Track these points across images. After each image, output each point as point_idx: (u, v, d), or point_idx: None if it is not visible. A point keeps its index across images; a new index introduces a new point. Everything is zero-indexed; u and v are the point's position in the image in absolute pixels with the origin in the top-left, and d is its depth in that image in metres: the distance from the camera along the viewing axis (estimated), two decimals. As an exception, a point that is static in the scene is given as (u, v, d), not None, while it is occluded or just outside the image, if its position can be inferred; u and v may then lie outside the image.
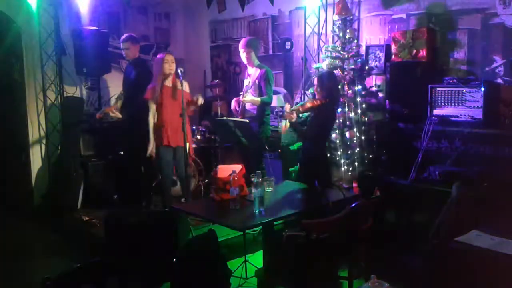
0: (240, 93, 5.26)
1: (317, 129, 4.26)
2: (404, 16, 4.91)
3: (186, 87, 4.99)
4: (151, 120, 4.81)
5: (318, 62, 5.39)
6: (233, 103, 5.31)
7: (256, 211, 3.20)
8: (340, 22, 4.87)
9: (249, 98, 5.11)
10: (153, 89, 4.74)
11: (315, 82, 4.32)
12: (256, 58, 5.21)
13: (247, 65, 5.27)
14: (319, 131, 4.30)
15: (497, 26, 4.24)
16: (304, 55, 5.68)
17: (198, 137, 5.99)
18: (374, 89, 4.98)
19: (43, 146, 5.96)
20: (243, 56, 5.20)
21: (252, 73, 5.21)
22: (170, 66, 4.74)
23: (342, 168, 4.74)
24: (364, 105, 4.71)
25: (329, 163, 4.61)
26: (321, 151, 4.38)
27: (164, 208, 4.89)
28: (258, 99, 5.06)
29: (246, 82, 5.29)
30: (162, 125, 4.81)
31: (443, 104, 4.12)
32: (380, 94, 4.95)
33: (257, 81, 5.11)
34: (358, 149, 4.67)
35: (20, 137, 6.03)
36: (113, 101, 6.54)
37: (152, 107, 4.78)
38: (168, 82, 4.81)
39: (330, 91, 4.26)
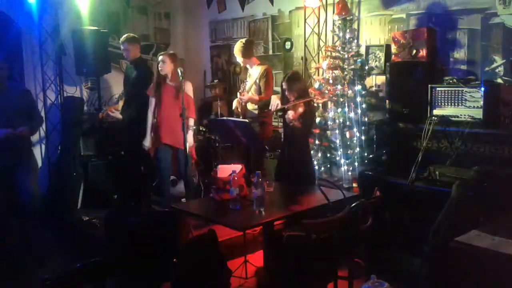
0: (239, 91, 5.26)
1: (301, 129, 4.29)
2: (404, 16, 4.91)
3: (188, 88, 5.07)
4: (150, 116, 5.02)
5: (318, 62, 5.39)
6: (235, 103, 5.30)
7: (256, 211, 3.20)
8: (340, 22, 4.87)
9: (247, 97, 5.10)
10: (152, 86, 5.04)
11: (285, 86, 4.34)
12: (253, 59, 5.20)
13: (248, 66, 5.27)
14: (303, 131, 4.33)
15: (497, 26, 4.24)
16: (304, 55, 5.68)
17: (199, 137, 6.00)
18: (374, 89, 4.98)
19: (43, 146, 5.96)
20: (240, 61, 5.20)
21: (253, 73, 5.21)
22: (161, 66, 4.90)
23: (342, 168, 4.74)
24: (364, 105, 4.71)
25: (313, 162, 4.68)
26: (306, 149, 4.47)
27: (164, 208, 4.90)
28: (256, 97, 5.06)
29: (243, 86, 5.28)
30: (161, 124, 4.90)
31: (443, 104, 4.11)
32: (380, 94, 4.95)
33: (257, 81, 5.11)
34: (358, 149, 4.67)
35: (20, 137, 6.02)
36: (113, 101, 6.55)
37: (152, 104, 5.02)
38: (171, 82, 4.86)
39: (302, 91, 4.38)
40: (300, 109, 4.22)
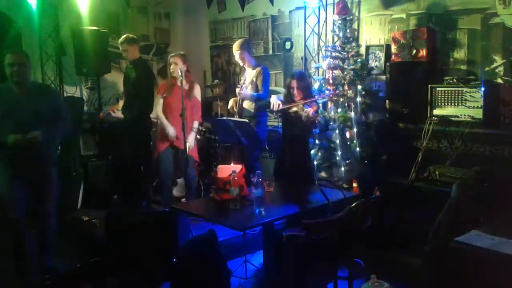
0: (238, 86, 5.26)
1: (301, 128, 4.29)
2: (404, 16, 4.91)
3: (197, 91, 5.12)
4: (162, 115, 5.06)
5: (318, 62, 5.39)
6: (231, 102, 5.31)
7: (256, 211, 3.20)
8: (340, 22, 4.87)
9: (245, 92, 5.10)
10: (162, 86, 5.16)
11: (294, 84, 4.34)
12: (251, 58, 5.20)
13: (245, 66, 5.27)
14: (304, 130, 4.33)
15: (497, 26, 4.24)
16: (304, 55, 5.68)
17: (198, 137, 6.00)
18: (374, 89, 4.98)
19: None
20: (236, 57, 5.22)
21: (249, 73, 5.22)
22: (173, 68, 4.98)
23: (342, 168, 4.73)
24: (364, 105, 4.71)
25: (313, 161, 4.70)
26: (306, 149, 4.50)
27: (164, 208, 4.90)
28: (254, 93, 5.06)
29: (243, 79, 5.30)
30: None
31: (443, 104, 4.12)
32: (380, 94, 4.94)
33: (254, 79, 5.12)
34: (358, 149, 4.67)
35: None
36: (114, 101, 6.55)
37: (159, 104, 5.08)
38: (180, 83, 4.91)
39: (309, 90, 4.43)
40: (315, 107, 4.25)
